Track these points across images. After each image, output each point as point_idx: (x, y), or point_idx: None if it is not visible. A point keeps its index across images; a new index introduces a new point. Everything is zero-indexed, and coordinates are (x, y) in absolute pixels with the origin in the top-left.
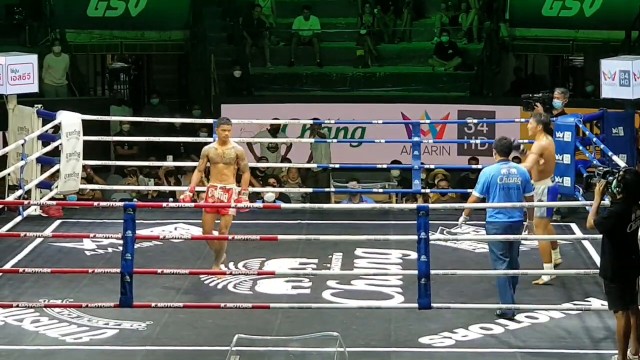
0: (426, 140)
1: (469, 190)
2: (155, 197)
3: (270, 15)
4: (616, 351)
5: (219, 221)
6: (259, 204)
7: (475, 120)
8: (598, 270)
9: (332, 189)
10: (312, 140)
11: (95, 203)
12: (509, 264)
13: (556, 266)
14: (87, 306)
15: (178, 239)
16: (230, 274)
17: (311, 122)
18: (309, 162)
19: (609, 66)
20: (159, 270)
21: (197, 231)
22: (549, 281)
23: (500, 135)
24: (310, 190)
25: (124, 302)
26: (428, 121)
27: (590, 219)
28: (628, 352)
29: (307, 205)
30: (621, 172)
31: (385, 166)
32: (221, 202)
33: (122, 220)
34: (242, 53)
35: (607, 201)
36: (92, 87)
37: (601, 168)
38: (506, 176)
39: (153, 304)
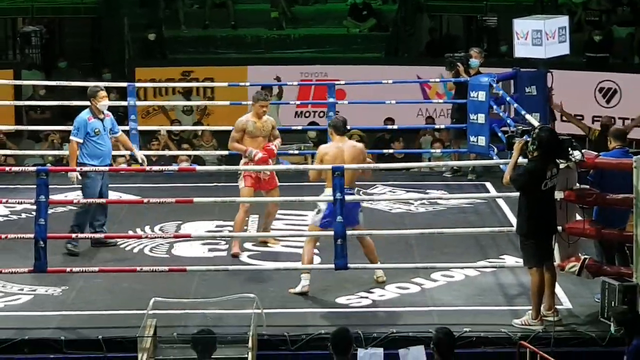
0: (341, 101)
1: (384, 151)
2: None
3: None
4: (530, 307)
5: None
6: (174, 167)
7: (390, 81)
8: (512, 228)
9: None
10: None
11: (7, 168)
12: None
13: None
14: (0, 272)
15: (92, 203)
16: (146, 237)
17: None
18: None
19: (522, 26)
20: (74, 235)
21: (112, 195)
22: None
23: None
24: (226, 152)
25: (38, 267)
26: (343, 82)
27: (506, 175)
28: (542, 308)
29: (223, 167)
30: (536, 130)
31: (300, 127)
32: (263, 174)
33: (35, 185)
34: (155, 16)
35: (524, 160)
36: (3, 50)
37: (520, 127)
38: None
39: (68, 269)
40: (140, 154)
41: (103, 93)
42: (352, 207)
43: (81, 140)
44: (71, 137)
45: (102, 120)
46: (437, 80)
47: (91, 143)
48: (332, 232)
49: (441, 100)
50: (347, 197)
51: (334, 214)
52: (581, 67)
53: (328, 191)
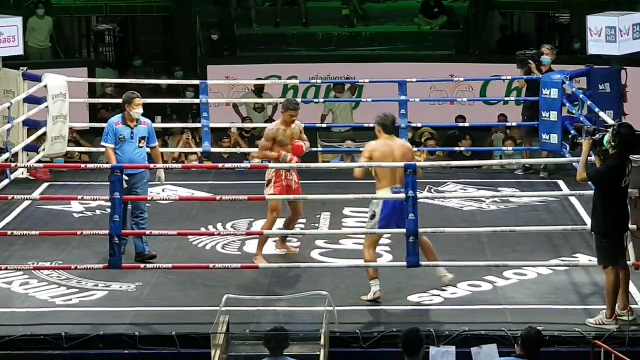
0: (412, 99)
1: (455, 149)
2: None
3: None
4: (604, 306)
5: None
6: (246, 164)
7: (462, 78)
8: (586, 227)
9: (320, 149)
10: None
11: (83, 165)
12: None
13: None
14: (75, 268)
15: (166, 200)
16: (219, 234)
17: (297, 81)
18: (322, 121)
19: (595, 22)
20: (147, 232)
21: (184, 192)
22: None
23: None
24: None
25: (113, 263)
26: (414, 79)
27: (580, 173)
28: (616, 307)
29: (294, 164)
30: (615, 127)
31: (372, 125)
32: (294, 183)
33: (109, 182)
34: (227, 14)
35: (592, 158)
36: (77, 49)
37: (588, 126)
38: None
39: (142, 265)
40: (162, 175)
41: (139, 100)
42: (398, 208)
43: (112, 145)
44: (102, 143)
45: (132, 127)
46: (509, 77)
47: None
48: (403, 230)
49: (513, 98)
50: (420, 195)
51: (403, 213)
52: None
53: (382, 192)
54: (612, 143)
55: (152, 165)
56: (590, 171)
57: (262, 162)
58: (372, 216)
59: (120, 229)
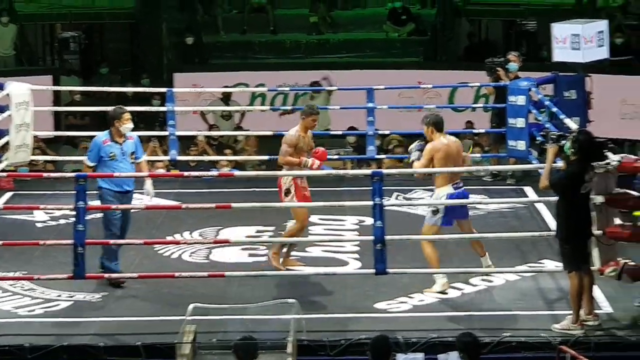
0: (380, 106)
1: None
2: None
3: None
4: (570, 312)
5: None
6: (213, 172)
7: (430, 85)
8: (552, 233)
9: None
10: (266, 107)
11: (46, 174)
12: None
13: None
14: (39, 278)
15: (131, 208)
16: (185, 243)
17: (265, 89)
18: None
19: (560, 30)
20: (111, 241)
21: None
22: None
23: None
24: (266, 157)
25: (77, 273)
26: (382, 87)
27: (543, 180)
28: (581, 312)
29: (262, 172)
30: (574, 134)
31: (340, 132)
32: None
33: (74, 192)
34: (194, 21)
35: (559, 164)
36: (42, 57)
37: (554, 132)
38: None
39: (107, 275)
40: (151, 189)
41: (128, 115)
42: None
43: (91, 164)
44: (83, 158)
45: (121, 143)
46: (477, 84)
47: (107, 168)
48: (371, 238)
49: (481, 105)
50: (387, 202)
51: (463, 207)
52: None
53: (441, 191)
54: (572, 150)
55: (116, 175)
56: (552, 178)
57: (284, 169)
58: (435, 212)
59: (84, 238)
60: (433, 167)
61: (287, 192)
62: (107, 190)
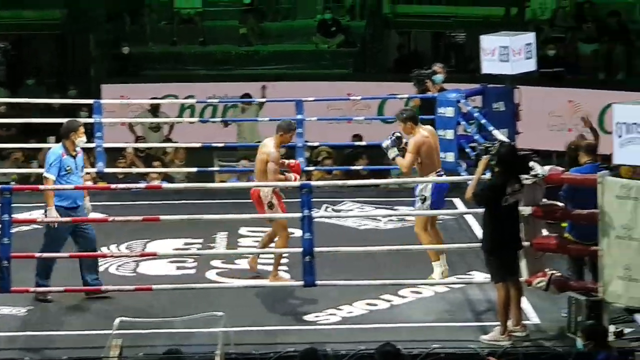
0: (310, 118)
1: (352, 168)
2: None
3: None
4: (498, 323)
5: None
6: (141, 185)
7: (359, 97)
8: (479, 244)
9: (217, 168)
10: (195, 119)
11: None
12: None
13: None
14: None
15: (57, 222)
16: (112, 256)
17: (194, 101)
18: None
19: (489, 42)
20: (37, 254)
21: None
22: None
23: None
24: (194, 169)
25: (2, 287)
26: (311, 98)
27: (469, 192)
28: (509, 323)
29: (190, 184)
30: (495, 146)
31: None
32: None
33: None
34: (122, 32)
35: (488, 176)
36: None
37: (485, 144)
38: None
39: (32, 289)
40: (88, 204)
41: (82, 128)
42: (445, 189)
43: (54, 177)
44: (45, 174)
45: (74, 157)
46: (406, 96)
47: (62, 182)
48: (300, 250)
49: None
50: (316, 214)
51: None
52: (547, 83)
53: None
54: (492, 162)
55: (41, 188)
56: (475, 190)
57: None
58: (423, 200)
59: (8, 251)
60: (420, 160)
61: (271, 205)
62: (58, 208)
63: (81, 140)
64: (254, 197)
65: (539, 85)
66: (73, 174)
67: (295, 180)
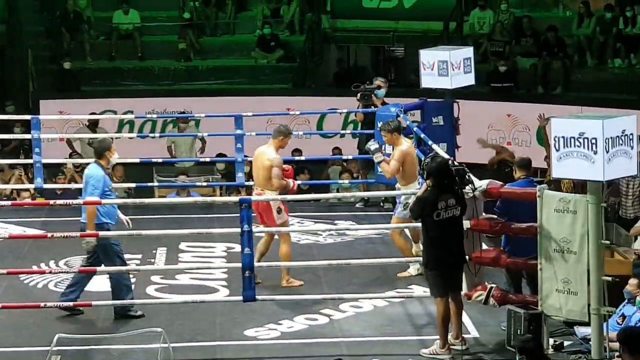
0: (249, 133)
1: (291, 182)
2: None
3: (87, 9)
4: (438, 336)
5: None
6: (79, 200)
7: (298, 112)
8: (420, 259)
9: (156, 184)
10: (133, 135)
11: None
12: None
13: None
14: None
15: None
16: (50, 272)
17: (133, 116)
18: (170, 155)
19: (428, 56)
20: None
21: (16, 230)
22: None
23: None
24: (133, 185)
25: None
26: (250, 113)
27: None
28: (449, 336)
29: (129, 200)
30: (425, 160)
31: (208, 159)
32: None
33: None
34: (60, 47)
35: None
36: None
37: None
38: None
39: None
40: (123, 217)
41: (114, 146)
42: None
43: (100, 200)
44: (89, 198)
45: (109, 175)
46: (346, 110)
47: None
48: (239, 265)
49: (349, 131)
50: (255, 229)
51: None
52: (486, 97)
53: (411, 187)
54: (424, 176)
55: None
56: (411, 205)
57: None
58: (406, 206)
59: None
60: (403, 169)
61: (279, 210)
62: (111, 225)
63: (115, 157)
64: (259, 208)
65: (478, 99)
66: (112, 193)
67: (293, 185)
